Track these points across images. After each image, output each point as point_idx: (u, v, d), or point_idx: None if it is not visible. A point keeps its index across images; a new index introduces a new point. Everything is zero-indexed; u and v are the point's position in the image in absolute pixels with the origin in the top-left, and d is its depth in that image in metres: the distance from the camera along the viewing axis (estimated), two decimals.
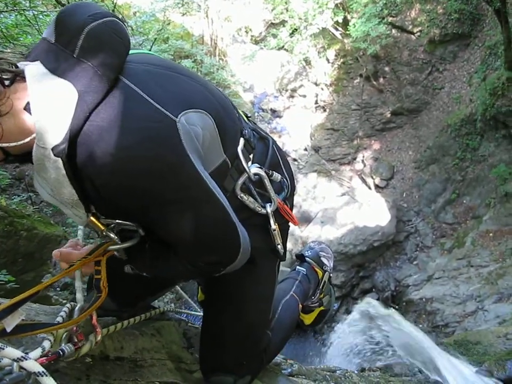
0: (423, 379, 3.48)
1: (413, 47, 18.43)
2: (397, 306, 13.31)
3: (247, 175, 1.63)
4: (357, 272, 15.07)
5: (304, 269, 2.51)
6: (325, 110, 20.06)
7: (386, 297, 14.41)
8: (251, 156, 1.69)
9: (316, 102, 20.61)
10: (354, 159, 18.62)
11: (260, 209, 1.69)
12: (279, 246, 1.81)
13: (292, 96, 21.56)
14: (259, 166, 1.68)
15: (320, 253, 2.63)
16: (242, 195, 1.63)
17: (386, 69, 18.67)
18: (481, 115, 14.33)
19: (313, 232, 15.39)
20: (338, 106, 19.42)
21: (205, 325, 1.94)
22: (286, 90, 21.71)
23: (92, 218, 1.46)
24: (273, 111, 21.49)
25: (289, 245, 14.81)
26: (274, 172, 1.74)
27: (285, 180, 1.81)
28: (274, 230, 1.75)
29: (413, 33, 18.46)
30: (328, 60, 20.44)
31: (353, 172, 18.28)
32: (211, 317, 1.92)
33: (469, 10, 17.47)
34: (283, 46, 21.81)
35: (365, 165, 18.22)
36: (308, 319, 2.59)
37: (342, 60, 19.84)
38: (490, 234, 13.29)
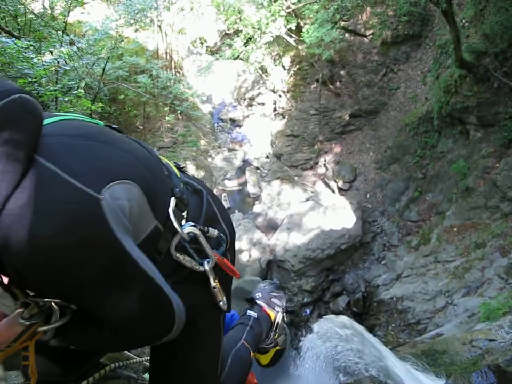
0: None
1: (367, 49, 18.66)
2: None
3: (180, 235, 1.56)
4: (326, 276, 15.10)
5: (255, 313, 2.44)
6: (284, 117, 20.14)
7: (358, 299, 14.46)
8: (184, 214, 1.62)
9: (275, 109, 20.71)
10: (316, 163, 18.71)
11: (197, 267, 1.62)
12: (221, 303, 1.74)
13: (250, 105, 21.63)
14: (193, 224, 1.61)
15: (271, 293, 2.58)
16: (178, 255, 1.56)
17: (342, 72, 18.86)
18: (437, 113, 14.57)
19: (280, 240, 15.38)
20: (297, 112, 19.51)
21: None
22: (244, 99, 21.77)
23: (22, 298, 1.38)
24: (233, 121, 21.54)
25: (257, 253, 14.83)
26: (209, 228, 1.67)
27: (221, 234, 1.73)
28: (215, 287, 1.69)
29: (366, 36, 18.69)
30: (284, 67, 20.56)
31: (316, 177, 18.36)
32: (157, 377, 1.85)
33: (418, 11, 17.84)
34: (238, 56, 21.85)
35: (327, 169, 18.32)
36: (264, 359, 2.56)
37: (297, 66, 19.97)
38: (455, 229, 13.48)
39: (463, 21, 14.66)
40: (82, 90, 10.69)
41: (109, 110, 16.58)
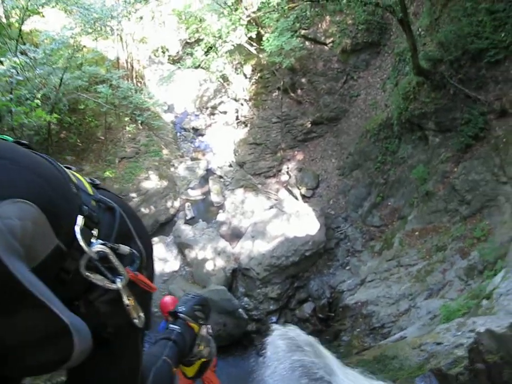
0: None
1: (327, 57, 18.86)
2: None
3: (88, 254, 1.49)
4: (291, 283, 15.11)
5: (178, 327, 2.36)
6: (246, 125, 20.17)
7: (323, 305, 14.52)
8: (95, 232, 1.55)
9: (237, 118, 20.74)
10: (279, 171, 18.79)
11: (110, 285, 1.55)
12: (136, 321, 1.66)
13: (212, 114, 21.62)
14: (103, 242, 1.55)
15: (195, 306, 2.56)
16: (88, 274, 1.49)
17: (303, 80, 19.00)
18: (397, 119, 14.79)
19: (245, 248, 15.34)
20: (259, 121, 19.57)
21: None
22: (207, 108, 21.76)
23: None
24: (195, 130, 21.49)
25: (221, 262, 14.79)
26: (120, 245, 1.62)
27: (134, 251, 1.68)
28: (128, 305, 1.62)
29: (326, 44, 18.90)
30: (245, 75, 20.62)
31: (279, 184, 18.43)
32: None
33: (376, 20, 18.18)
34: (199, 65, 21.85)
35: (290, 176, 18.41)
36: (190, 371, 2.54)
37: (259, 75, 20.04)
38: (416, 233, 13.68)
39: (419, 29, 14.96)
40: (38, 101, 10.50)
41: (69, 120, 16.35)
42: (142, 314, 1.68)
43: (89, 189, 1.68)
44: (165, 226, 17.04)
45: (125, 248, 1.62)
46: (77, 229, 1.45)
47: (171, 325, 2.37)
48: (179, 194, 17.90)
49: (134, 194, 16.67)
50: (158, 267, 15.53)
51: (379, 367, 4.04)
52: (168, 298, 6.99)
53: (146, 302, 1.82)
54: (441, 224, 13.22)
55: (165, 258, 15.91)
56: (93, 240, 1.52)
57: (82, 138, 17.42)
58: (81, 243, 1.45)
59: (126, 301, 1.60)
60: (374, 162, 16.12)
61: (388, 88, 17.04)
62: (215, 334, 12.41)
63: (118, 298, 1.59)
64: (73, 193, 1.52)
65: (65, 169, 1.59)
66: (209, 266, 15.02)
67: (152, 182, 17.31)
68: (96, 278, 1.51)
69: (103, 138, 18.08)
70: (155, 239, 16.28)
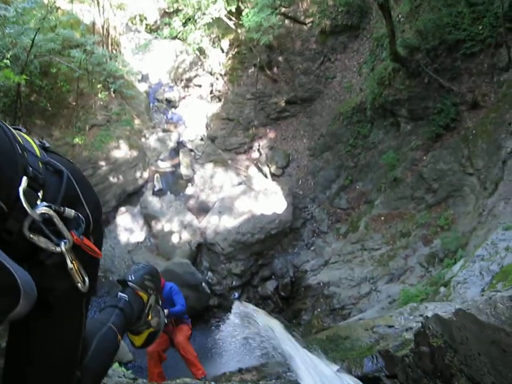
0: (292, 381, 3.54)
1: (305, 37, 18.80)
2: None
3: (31, 216, 1.47)
4: (256, 260, 15.21)
5: (126, 295, 2.38)
6: (220, 100, 20.05)
7: (286, 283, 14.65)
8: (40, 194, 1.54)
9: (211, 92, 20.58)
10: (250, 148, 18.77)
11: (53, 248, 1.54)
12: (79, 284, 1.66)
13: (187, 86, 21.37)
14: (47, 204, 1.53)
15: (144, 276, 2.55)
16: (31, 236, 1.48)
17: (280, 58, 18.92)
18: (371, 104, 14.88)
19: (211, 223, 15.37)
20: (233, 96, 19.47)
21: (5, 371, 1.74)
22: (181, 80, 21.49)
23: None
24: (169, 101, 21.22)
25: (187, 236, 14.79)
26: (66, 209, 1.60)
27: (79, 214, 1.66)
28: (71, 269, 1.61)
29: (305, 24, 18.81)
30: (222, 50, 20.43)
31: (250, 161, 18.42)
32: (11, 362, 1.74)
33: (357, 3, 18.13)
34: (177, 36, 21.54)
35: (260, 154, 18.40)
36: (138, 340, 2.57)
37: (236, 50, 19.88)
38: (382, 218, 13.84)
39: (399, 16, 15.00)
40: (7, 61, 10.25)
41: (40, 83, 15.98)
42: (86, 279, 1.67)
43: (37, 151, 1.65)
44: (132, 196, 16.91)
45: (70, 212, 1.60)
46: (21, 189, 1.43)
47: (120, 293, 2.36)
48: (148, 165, 17.76)
49: (103, 163, 16.46)
50: (123, 237, 15.48)
51: (331, 346, 4.12)
52: None
53: (93, 268, 1.81)
54: (406, 211, 13.40)
55: (130, 228, 15.83)
56: (38, 202, 1.50)
57: (53, 103, 17.04)
58: (24, 204, 1.43)
59: (69, 264, 1.59)
60: (345, 145, 16.22)
61: (364, 72, 17.08)
62: None
63: (62, 261, 1.58)
64: (18, 153, 1.50)
65: (12, 129, 1.55)
66: (174, 239, 15.01)
67: (122, 151, 17.10)
68: (40, 241, 1.49)
69: (74, 104, 17.73)
70: (122, 209, 16.19)
